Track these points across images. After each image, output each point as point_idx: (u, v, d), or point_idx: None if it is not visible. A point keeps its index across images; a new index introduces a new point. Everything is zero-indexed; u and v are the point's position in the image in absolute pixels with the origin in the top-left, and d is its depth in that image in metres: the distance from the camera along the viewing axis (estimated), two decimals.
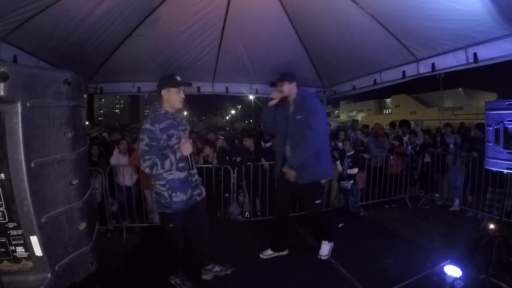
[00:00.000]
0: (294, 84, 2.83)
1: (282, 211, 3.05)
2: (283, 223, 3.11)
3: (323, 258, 2.96)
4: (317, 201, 2.92)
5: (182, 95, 2.29)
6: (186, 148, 2.20)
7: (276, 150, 3.11)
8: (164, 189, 2.21)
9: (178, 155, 2.16)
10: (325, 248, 3.01)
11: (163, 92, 2.25)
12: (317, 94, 6.70)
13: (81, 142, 1.09)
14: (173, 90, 2.24)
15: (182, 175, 2.25)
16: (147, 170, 2.13)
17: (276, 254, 3.06)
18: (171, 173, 2.20)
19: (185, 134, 2.37)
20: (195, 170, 2.42)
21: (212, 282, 2.60)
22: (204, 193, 2.55)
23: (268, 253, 3.07)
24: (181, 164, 2.23)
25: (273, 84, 2.93)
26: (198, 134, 6.41)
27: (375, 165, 5.25)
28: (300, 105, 2.77)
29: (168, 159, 2.12)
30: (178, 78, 2.27)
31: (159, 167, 2.10)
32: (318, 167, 2.76)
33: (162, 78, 2.30)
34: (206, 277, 2.61)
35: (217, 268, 2.64)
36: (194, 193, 2.37)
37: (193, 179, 2.39)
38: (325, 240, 3.02)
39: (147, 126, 2.14)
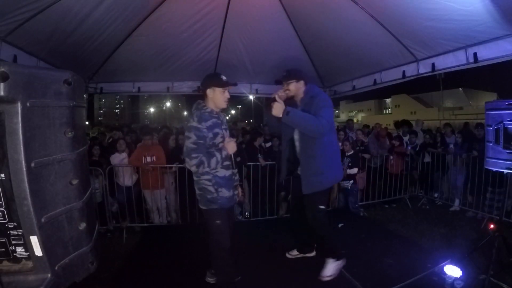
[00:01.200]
0: (301, 83, 2.58)
1: (299, 212, 2.77)
2: (303, 225, 2.80)
3: (323, 279, 2.58)
4: (321, 206, 2.58)
5: (227, 95, 2.26)
6: (231, 147, 2.20)
7: (282, 154, 2.86)
8: (210, 184, 2.18)
9: (224, 153, 2.16)
10: (330, 268, 2.63)
11: (209, 91, 2.23)
12: None
13: (81, 142, 1.09)
14: (218, 89, 2.22)
15: (227, 173, 2.24)
16: (193, 169, 2.11)
17: (302, 255, 3.01)
18: (217, 171, 2.19)
19: (227, 133, 2.37)
20: (236, 170, 2.39)
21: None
22: (239, 197, 2.50)
23: (294, 253, 3.04)
24: (226, 163, 2.23)
25: (278, 82, 2.67)
26: None
27: (374, 166, 5.25)
28: (307, 104, 2.50)
29: (214, 158, 2.10)
30: (224, 78, 2.25)
31: (206, 165, 2.09)
32: (329, 173, 2.51)
33: (208, 76, 2.28)
34: (211, 280, 2.55)
35: None
36: (235, 193, 2.36)
37: (236, 178, 2.38)
38: (329, 258, 2.65)
39: (195, 124, 2.11)
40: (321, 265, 2.73)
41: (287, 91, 2.56)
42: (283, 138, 2.82)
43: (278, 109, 2.35)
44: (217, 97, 2.23)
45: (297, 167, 2.70)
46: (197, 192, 2.26)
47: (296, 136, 2.63)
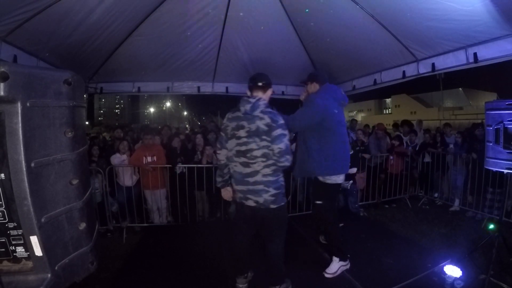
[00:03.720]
0: (314, 85, 2.86)
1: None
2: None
3: (326, 275, 2.69)
4: (318, 202, 2.80)
5: None
6: None
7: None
8: (283, 179, 2.26)
9: None
10: (334, 266, 2.72)
11: (269, 90, 2.30)
12: None
13: (81, 142, 1.09)
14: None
15: None
16: (289, 164, 2.15)
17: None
18: None
19: None
20: None
21: (209, 278, 2.60)
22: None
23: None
24: None
25: (303, 83, 3.04)
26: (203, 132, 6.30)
27: (373, 165, 5.25)
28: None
29: None
30: None
31: None
32: (307, 163, 2.73)
33: (266, 76, 2.32)
34: None
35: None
36: None
37: None
38: (335, 257, 2.75)
39: (283, 121, 2.16)
40: (320, 265, 2.79)
41: (306, 92, 2.95)
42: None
43: None
44: (269, 97, 2.33)
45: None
46: (273, 192, 2.16)
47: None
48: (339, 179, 2.78)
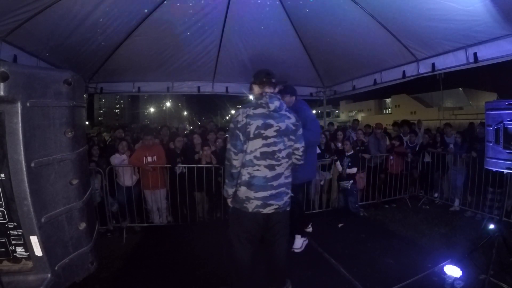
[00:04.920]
0: (293, 99, 3.04)
1: None
2: None
3: (295, 251, 3.11)
4: (291, 194, 3.20)
5: None
6: None
7: None
8: None
9: None
10: (298, 242, 3.17)
11: (277, 88, 2.28)
12: (317, 94, 6.71)
13: (81, 142, 1.09)
14: None
15: None
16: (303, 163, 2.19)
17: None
18: None
19: None
20: None
21: (209, 278, 2.60)
22: None
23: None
24: None
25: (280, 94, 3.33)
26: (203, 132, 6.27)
27: (373, 165, 5.24)
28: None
29: None
30: None
31: None
32: (298, 171, 2.90)
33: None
34: None
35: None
36: None
37: None
38: (297, 234, 3.19)
39: None
40: (320, 265, 2.84)
41: None
42: None
43: None
44: None
45: None
46: (290, 194, 2.14)
47: None
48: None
